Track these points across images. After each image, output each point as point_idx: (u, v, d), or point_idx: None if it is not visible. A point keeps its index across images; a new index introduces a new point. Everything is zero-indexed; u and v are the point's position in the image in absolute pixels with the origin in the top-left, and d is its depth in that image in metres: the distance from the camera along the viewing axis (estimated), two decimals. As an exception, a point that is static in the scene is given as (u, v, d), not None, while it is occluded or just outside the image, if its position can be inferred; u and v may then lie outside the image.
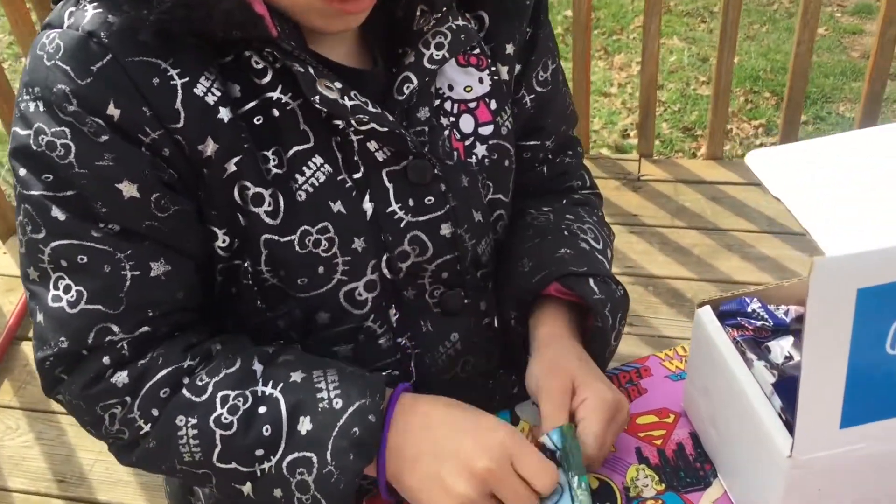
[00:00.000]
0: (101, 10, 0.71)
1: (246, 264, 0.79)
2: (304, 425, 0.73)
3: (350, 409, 0.73)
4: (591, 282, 0.86)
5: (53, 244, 0.73)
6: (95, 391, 0.75)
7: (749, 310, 0.79)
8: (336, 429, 0.73)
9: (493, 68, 0.86)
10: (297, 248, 0.77)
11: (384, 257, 0.81)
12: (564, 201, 1.00)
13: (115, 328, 0.75)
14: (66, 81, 0.69)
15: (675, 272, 2.24)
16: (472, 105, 0.85)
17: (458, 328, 0.89)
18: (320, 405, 0.74)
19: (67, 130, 0.70)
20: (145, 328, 0.76)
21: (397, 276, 0.83)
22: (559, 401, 0.79)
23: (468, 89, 0.85)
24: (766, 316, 0.78)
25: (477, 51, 0.86)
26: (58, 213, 0.72)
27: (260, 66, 0.74)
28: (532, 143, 0.96)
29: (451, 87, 0.84)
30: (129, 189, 0.72)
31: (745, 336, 0.78)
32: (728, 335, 0.78)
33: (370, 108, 0.76)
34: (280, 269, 0.78)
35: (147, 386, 0.75)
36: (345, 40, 0.81)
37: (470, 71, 0.85)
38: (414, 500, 0.75)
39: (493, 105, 0.86)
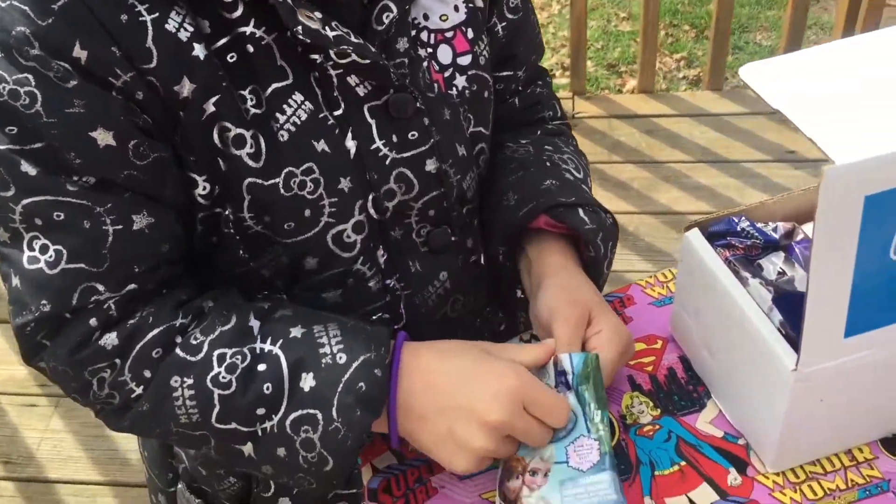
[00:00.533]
0: None
1: (227, 212, 0.74)
2: (307, 382, 0.70)
3: (355, 364, 0.70)
4: (581, 212, 0.84)
5: (25, 201, 0.68)
6: (83, 355, 0.71)
7: (738, 229, 0.79)
8: (341, 384, 0.70)
9: None
10: (282, 190, 0.73)
11: (370, 197, 0.78)
12: (539, 132, 0.98)
13: (101, 287, 0.70)
14: (25, 22, 0.63)
15: (616, 206, 2.26)
16: (449, 35, 0.82)
17: (447, 266, 0.87)
18: (323, 361, 0.71)
19: (31, 77, 0.64)
20: (132, 285, 0.72)
21: (384, 216, 0.80)
22: (575, 326, 0.78)
23: (444, 18, 0.82)
24: (757, 234, 0.78)
25: None
26: (27, 168, 0.67)
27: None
28: (505, 73, 0.93)
29: (426, 17, 0.80)
30: (104, 137, 0.67)
31: (737, 255, 0.78)
32: (720, 255, 0.77)
33: (352, 38, 0.72)
34: (265, 215, 0.74)
35: (138, 347, 0.71)
36: None
37: None
38: (430, 455, 0.74)
39: (470, 34, 0.83)
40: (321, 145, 0.74)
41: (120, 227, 0.70)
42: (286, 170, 0.73)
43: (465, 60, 0.82)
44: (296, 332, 0.73)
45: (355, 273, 0.81)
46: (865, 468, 0.77)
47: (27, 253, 0.69)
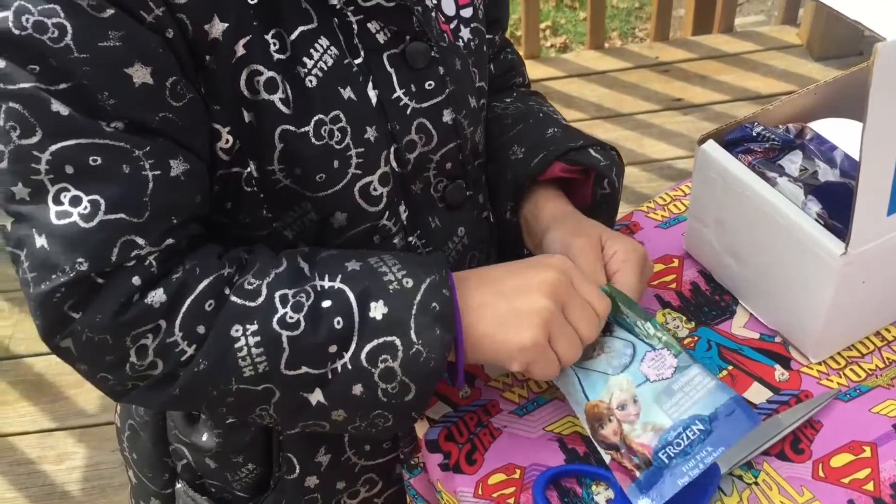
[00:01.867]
0: None
1: (250, 169, 0.70)
2: (378, 310, 0.67)
3: (423, 286, 0.68)
4: (593, 151, 0.85)
5: (54, 147, 0.61)
6: (128, 317, 0.64)
7: (754, 133, 0.81)
8: (414, 307, 0.67)
9: None
10: (312, 139, 0.70)
11: (392, 148, 0.75)
12: (515, 94, 0.98)
13: (141, 241, 0.64)
14: None
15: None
16: None
17: (464, 222, 0.86)
18: (390, 287, 0.68)
19: (59, 7, 0.59)
20: (170, 240, 0.66)
21: (405, 169, 0.77)
22: (593, 255, 0.78)
23: None
24: (773, 136, 0.81)
25: None
26: (58, 107, 0.60)
27: None
28: (488, 37, 0.93)
29: None
30: (141, 74, 0.62)
31: (758, 159, 0.80)
32: (742, 161, 0.80)
33: None
34: (295, 167, 0.71)
35: (188, 301, 0.65)
36: None
37: None
38: (493, 350, 0.70)
39: None
40: (347, 93, 0.71)
41: (158, 172, 0.64)
42: (316, 117, 0.70)
43: (467, 13, 0.81)
44: (352, 265, 0.70)
45: (381, 229, 0.78)
46: (896, 345, 0.81)
47: (55, 208, 0.62)
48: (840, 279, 0.73)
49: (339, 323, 0.66)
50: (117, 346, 0.65)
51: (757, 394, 0.78)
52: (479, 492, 0.74)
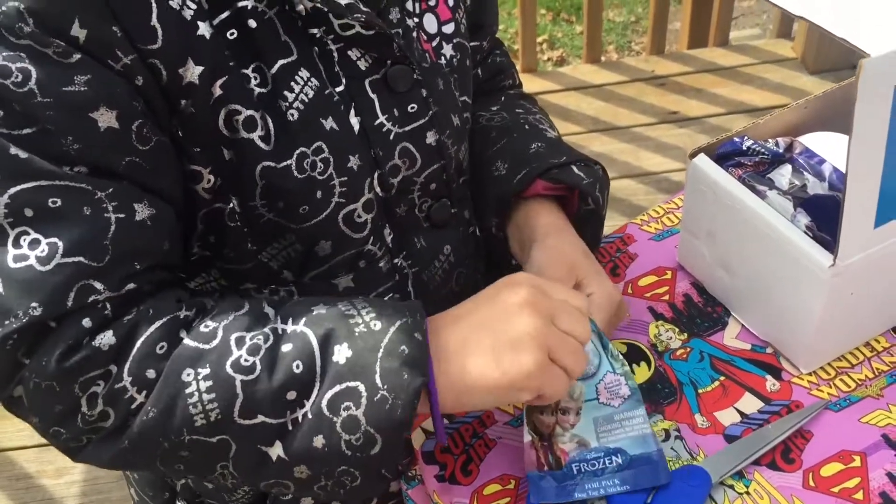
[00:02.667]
0: None
1: (232, 204, 0.70)
2: (342, 353, 0.63)
3: (392, 329, 0.64)
4: (575, 168, 0.86)
5: (13, 190, 0.60)
6: (74, 361, 0.61)
7: (745, 147, 0.82)
8: (381, 350, 0.62)
9: None
10: (295, 173, 0.70)
11: (376, 174, 0.76)
12: (503, 98, 0.99)
13: (99, 285, 0.61)
14: None
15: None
16: (432, 3, 0.81)
17: (449, 240, 0.86)
18: (356, 329, 0.64)
19: (24, 54, 0.58)
20: (131, 284, 0.63)
21: (389, 193, 0.78)
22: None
23: None
24: (763, 150, 0.82)
25: None
26: (17, 152, 0.59)
27: None
28: (473, 44, 0.93)
29: None
30: (106, 118, 0.61)
31: (748, 172, 0.81)
32: (733, 175, 0.81)
33: (361, 6, 0.70)
34: (278, 201, 0.71)
35: (139, 343, 0.62)
36: None
37: None
38: (494, 388, 0.65)
39: (451, 1, 0.82)
40: (329, 123, 0.71)
41: (122, 215, 0.63)
42: (298, 150, 0.69)
43: (448, 28, 0.82)
44: (319, 309, 0.66)
45: (366, 254, 0.79)
46: (885, 356, 0.82)
47: (12, 251, 0.60)
48: (829, 290, 0.74)
49: (298, 367, 0.62)
50: (66, 394, 0.62)
51: (748, 404, 0.79)
52: (475, 502, 0.75)
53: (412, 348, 0.63)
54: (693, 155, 0.84)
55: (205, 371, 0.62)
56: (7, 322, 0.60)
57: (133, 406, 0.62)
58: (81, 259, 0.61)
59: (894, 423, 0.76)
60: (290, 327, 0.65)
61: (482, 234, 0.91)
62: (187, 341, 0.63)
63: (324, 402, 0.62)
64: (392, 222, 0.80)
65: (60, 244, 0.61)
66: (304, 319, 0.65)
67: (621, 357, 0.75)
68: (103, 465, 0.66)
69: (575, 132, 2.42)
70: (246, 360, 0.62)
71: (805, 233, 0.75)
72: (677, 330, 0.86)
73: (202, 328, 0.64)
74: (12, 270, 0.60)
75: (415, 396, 0.62)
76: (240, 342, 0.63)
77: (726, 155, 0.83)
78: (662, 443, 0.77)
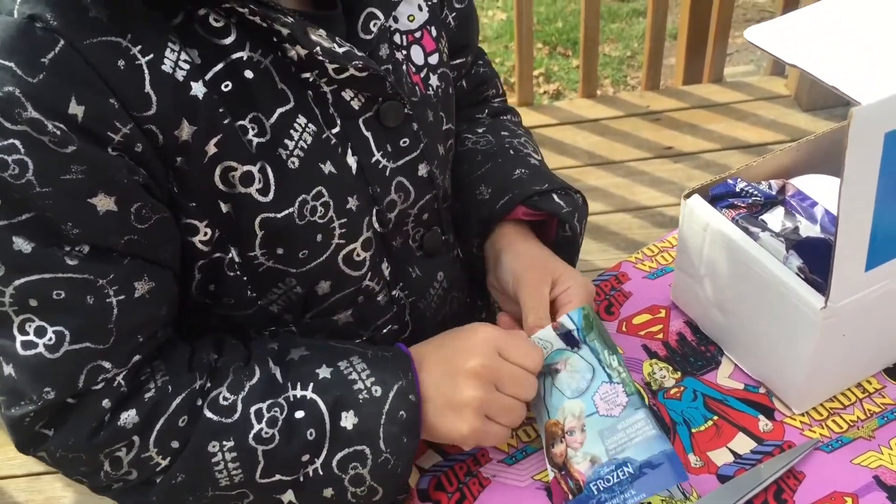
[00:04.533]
0: None
1: (231, 255, 0.71)
2: (349, 420, 0.71)
3: (391, 395, 0.71)
4: (555, 196, 0.87)
5: (18, 282, 0.62)
6: (101, 438, 0.66)
7: (738, 189, 0.84)
8: (383, 416, 0.71)
9: None
10: (296, 220, 0.70)
11: (374, 211, 0.77)
12: (486, 111, 1.00)
13: (108, 364, 0.66)
14: (13, 81, 0.57)
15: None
16: (418, 35, 0.82)
17: (442, 266, 0.88)
18: (360, 396, 0.71)
19: (19, 143, 0.58)
20: (137, 357, 0.68)
21: (386, 229, 0.79)
22: (539, 290, 0.81)
23: (411, 18, 0.81)
24: (756, 192, 0.83)
25: None
26: (21, 245, 0.61)
27: (220, 25, 0.65)
28: (458, 61, 0.95)
29: (395, 19, 0.80)
30: (104, 203, 0.62)
31: (741, 214, 0.82)
32: (726, 216, 0.82)
33: (356, 52, 0.71)
34: (277, 248, 0.72)
35: (161, 420, 0.68)
36: None
37: None
38: (444, 437, 0.74)
39: (434, 32, 0.83)
40: (328, 167, 0.72)
41: (123, 297, 0.65)
42: (300, 198, 0.70)
43: (434, 59, 0.83)
44: (323, 372, 0.72)
45: (365, 290, 0.80)
46: (877, 397, 0.83)
47: (20, 338, 0.63)
48: (821, 332, 0.75)
49: (311, 434, 0.70)
50: (91, 461, 0.68)
51: (742, 444, 0.80)
52: (468, 540, 0.75)
53: (408, 412, 0.71)
54: (687, 196, 0.85)
55: (229, 444, 0.69)
56: (23, 403, 0.65)
57: (158, 469, 0.69)
58: (88, 344, 0.65)
59: (886, 465, 0.77)
60: (300, 393, 0.71)
61: (464, 255, 0.93)
62: (209, 414, 0.69)
63: (334, 462, 0.71)
64: (389, 256, 0.82)
65: (67, 332, 0.64)
66: (311, 385, 0.71)
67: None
68: None
69: (570, 166, 2.43)
70: (266, 433, 0.69)
71: (797, 275, 0.76)
72: (671, 368, 0.87)
73: (221, 401, 0.70)
74: (22, 357, 0.64)
75: (412, 455, 0.72)
76: (259, 415, 0.70)
77: (720, 196, 0.84)
78: (656, 482, 0.77)
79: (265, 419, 0.69)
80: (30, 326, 0.63)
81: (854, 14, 0.72)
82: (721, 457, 0.79)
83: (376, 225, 0.78)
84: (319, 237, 0.73)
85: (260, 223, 0.69)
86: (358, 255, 0.77)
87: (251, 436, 0.69)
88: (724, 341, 0.88)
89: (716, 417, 0.82)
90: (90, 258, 0.63)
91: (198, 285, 0.74)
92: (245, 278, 0.73)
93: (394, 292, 0.83)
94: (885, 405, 0.82)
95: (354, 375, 0.72)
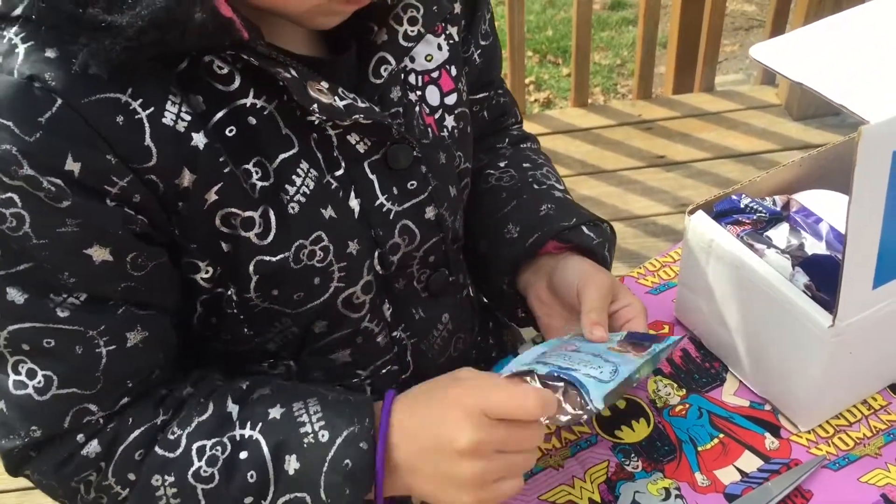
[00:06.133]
0: (32, 42, 0.59)
1: (230, 292, 0.71)
2: (292, 464, 0.68)
3: (338, 441, 0.67)
4: (585, 229, 0.86)
5: (11, 328, 0.64)
6: (70, 469, 0.68)
7: (742, 205, 0.83)
8: (326, 464, 0.67)
9: (448, 32, 0.82)
10: (291, 264, 0.70)
11: (376, 254, 0.76)
12: (507, 140, 1.00)
13: (94, 407, 0.68)
14: (10, 140, 0.58)
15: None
16: (435, 75, 0.80)
17: (447, 308, 0.86)
18: (305, 441, 0.68)
19: (16, 197, 0.59)
20: (125, 399, 0.69)
21: (389, 271, 0.78)
22: (607, 296, 0.79)
23: (429, 58, 0.80)
24: (761, 208, 0.83)
25: None
26: (14, 295, 0.63)
27: (224, 72, 0.64)
28: (481, 95, 0.94)
29: (412, 59, 0.78)
30: (100, 253, 0.63)
31: (746, 230, 0.82)
32: (731, 233, 0.81)
33: (359, 104, 0.70)
34: (272, 290, 0.71)
35: (120, 450, 0.68)
36: (297, 27, 0.72)
37: (429, 39, 0.79)
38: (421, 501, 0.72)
39: (454, 71, 0.82)
40: (328, 212, 0.71)
41: (114, 347, 0.66)
42: (297, 243, 0.70)
43: (451, 99, 0.82)
44: (275, 412, 0.69)
45: (363, 331, 0.79)
46: (883, 414, 0.83)
47: (13, 377, 0.66)
48: (828, 350, 0.75)
49: (252, 477, 0.67)
50: (65, 487, 0.70)
51: (748, 462, 0.79)
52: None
53: (355, 461, 0.66)
54: (691, 212, 0.84)
55: (171, 479, 0.68)
56: (11, 437, 0.68)
57: (119, 499, 0.70)
58: (75, 390, 0.66)
59: (893, 483, 0.77)
60: (247, 433, 0.69)
61: (489, 293, 0.92)
62: (157, 449, 0.69)
63: None
64: (391, 297, 0.80)
65: (55, 378, 0.65)
66: (259, 425, 0.69)
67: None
68: None
69: (563, 175, 2.42)
70: (205, 471, 0.68)
71: (804, 292, 0.76)
72: (676, 385, 0.86)
73: (169, 435, 0.69)
74: (14, 396, 0.66)
75: None
76: (200, 453, 0.68)
77: (724, 212, 0.84)
78: (663, 501, 0.77)
79: (206, 457, 0.68)
80: (22, 367, 0.65)
81: (859, 31, 0.72)
82: (728, 475, 0.78)
83: (378, 267, 0.77)
84: (317, 280, 0.72)
85: (255, 266, 0.69)
86: (357, 297, 0.76)
87: (190, 473, 0.68)
88: (728, 358, 0.87)
89: (722, 435, 0.82)
90: (83, 308, 0.65)
91: (199, 318, 0.74)
92: (242, 316, 0.73)
93: (394, 333, 0.82)
94: (891, 422, 0.82)
95: (304, 418, 0.69)
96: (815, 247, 0.81)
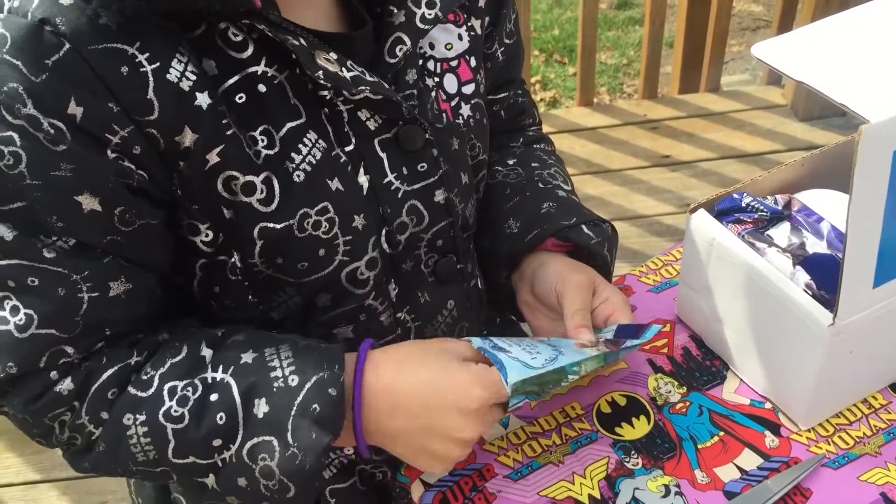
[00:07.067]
0: None
1: (233, 259, 0.72)
2: (261, 408, 0.69)
3: (307, 385, 0.69)
4: (585, 228, 0.87)
5: None
6: (39, 405, 0.69)
7: (744, 204, 0.83)
8: (294, 408, 0.69)
9: (470, 23, 0.83)
10: (296, 232, 0.71)
11: (383, 231, 0.77)
12: (521, 140, 1.00)
13: (70, 349, 0.69)
14: (17, 78, 0.60)
15: (514, 225, 2.31)
16: (454, 63, 0.82)
17: (453, 295, 0.87)
18: (275, 385, 0.70)
19: (16, 136, 0.61)
20: (100, 344, 0.70)
21: (396, 250, 0.79)
22: (584, 294, 0.81)
23: (449, 47, 0.82)
24: (762, 207, 0.83)
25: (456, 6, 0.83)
26: (4, 232, 0.64)
27: (238, 39, 0.67)
28: (502, 94, 0.95)
29: (432, 46, 0.80)
30: (89, 202, 0.64)
31: (748, 229, 0.82)
32: (732, 231, 0.82)
33: (367, 77, 0.71)
34: (277, 258, 0.72)
35: (93, 388, 0.70)
36: (317, 1, 0.75)
37: (449, 28, 0.81)
38: (393, 450, 0.75)
39: (473, 62, 0.83)
40: (335, 184, 0.72)
41: (96, 294, 0.68)
42: (301, 211, 0.71)
43: (468, 89, 0.83)
44: (247, 357, 0.71)
45: (367, 308, 0.80)
46: (883, 413, 0.83)
47: None
48: (828, 349, 0.75)
49: (221, 418, 0.69)
50: (38, 424, 0.71)
51: (748, 460, 0.80)
52: (474, 557, 0.74)
53: (323, 406, 0.68)
54: (693, 210, 0.84)
55: (141, 418, 0.70)
56: None
57: (92, 437, 0.72)
58: (53, 331, 0.67)
59: (893, 482, 0.77)
60: (218, 375, 0.71)
61: (488, 286, 0.92)
62: (130, 389, 0.70)
63: (244, 451, 0.70)
64: (397, 278, 0.81)
65: (36, 317, 0.67)
66: (231, 368, 0.71)
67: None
68: (84, 471, 0.74)
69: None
70: (176, 411, 0.69)
71: (804, 291, 0.76)
72: (676, 383, 0.87)
73: (143, 375, 0.71)
74: None
75: (322, 454, 0.69)
76: (172, 393, 0.70)
77: (725, 211, 0.84)
78: (662, 498, 0.77)
79: (177, 397, 0.69)
80: (7, 303, 0.66)
81: (862, 30, 0.72)
82: (727, 473, 0.79)
83: (385, 245, 0.77)
84: (322, 251, 0.73)
85: (259, 232, 0.70)
86: (362, 273, 0.77)
87: (161, 412, 0.69)
88: (729, 356, 0.87)
89: (722, 433, 0.82)
90: (71, 253, 0.66)
91: (200, 285, 0.75)
92: (246, 283, 0.74)
93: (399, 314, 0.83)
94: (891, 421, 0.82)
95: (276, 362, 0.71)
96: (816, 246, 0.81)
